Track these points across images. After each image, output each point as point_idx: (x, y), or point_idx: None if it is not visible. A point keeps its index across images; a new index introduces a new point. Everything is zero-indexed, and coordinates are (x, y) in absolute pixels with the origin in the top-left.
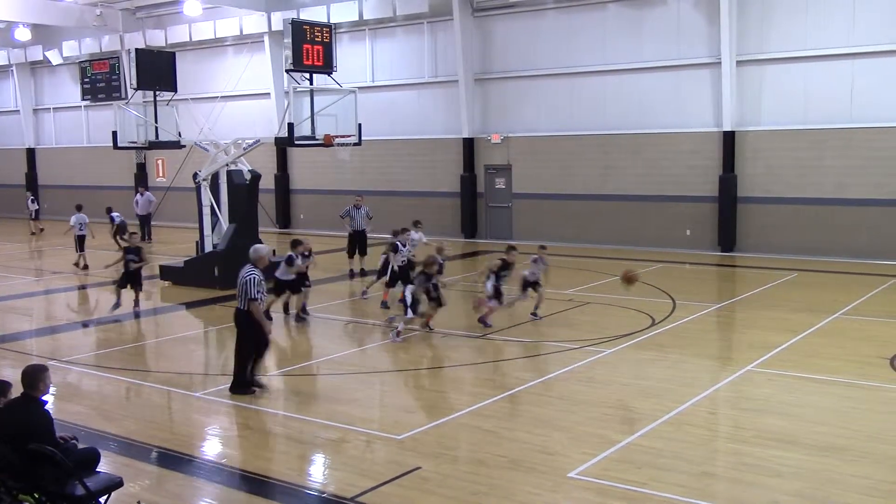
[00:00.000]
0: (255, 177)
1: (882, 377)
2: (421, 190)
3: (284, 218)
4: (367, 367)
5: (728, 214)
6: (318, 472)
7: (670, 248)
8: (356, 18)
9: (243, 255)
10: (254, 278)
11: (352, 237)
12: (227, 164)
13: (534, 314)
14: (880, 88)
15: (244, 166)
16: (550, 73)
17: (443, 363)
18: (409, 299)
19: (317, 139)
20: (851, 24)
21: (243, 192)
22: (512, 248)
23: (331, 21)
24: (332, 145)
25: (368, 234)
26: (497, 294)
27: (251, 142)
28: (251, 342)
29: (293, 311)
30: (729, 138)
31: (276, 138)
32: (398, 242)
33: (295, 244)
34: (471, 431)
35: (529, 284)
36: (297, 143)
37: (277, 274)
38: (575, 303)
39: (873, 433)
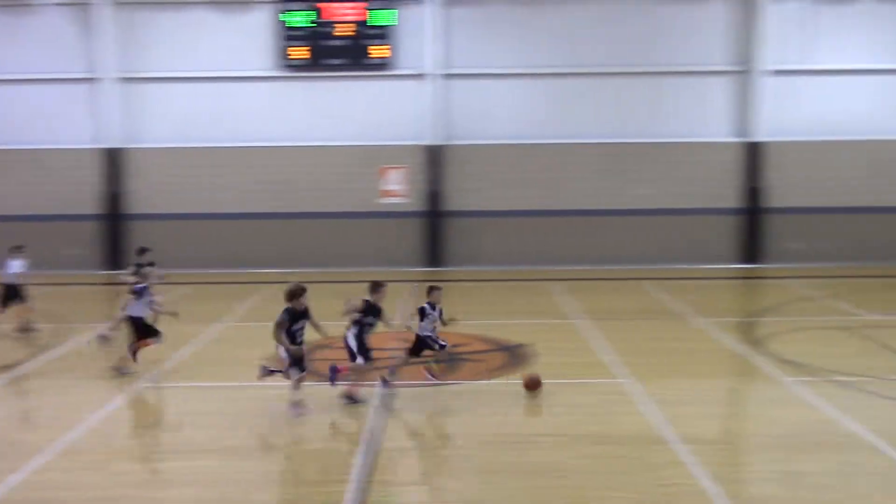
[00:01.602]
0: None
1: (235, 377)
2: None
3: None
4: None
5: (118, 232)
6: None
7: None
8: None
9: None
10: None
11: None
12: None
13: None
14: (256, 111)
15: None
16: None
17: None
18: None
19: None
20: (221, 49)
21: None
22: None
23: None
24: None
25: None
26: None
27: None
28: None
29: None
30: (114, 154)
31: None
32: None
33: None
34: None
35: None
36: None
37: None
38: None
39: (264, 432)
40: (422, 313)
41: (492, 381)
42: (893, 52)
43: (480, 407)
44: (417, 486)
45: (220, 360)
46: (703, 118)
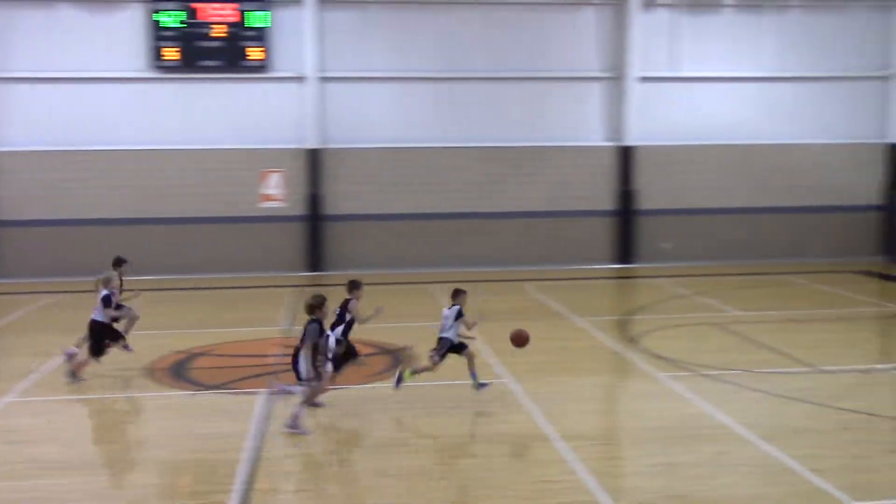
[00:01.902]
0: None
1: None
2: None
3: None
4: None
5: None
6: None
7: None
8: None
9: None
10: None
11: None
12: None
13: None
14: (128, 113)
15: None
16: None
17: None
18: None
19: None
20: (91, 49)
21: None
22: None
23: None
24: None
25: None
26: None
27: None
28: None
29: None
30: None
31: None
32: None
33: None
34: None
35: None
36: None
37: None
38: None
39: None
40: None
41: (376, 385)
42: (752, 61)
43: (364, 411)
44: (298, 494)
45: (94, 373)
46: (579, 123)
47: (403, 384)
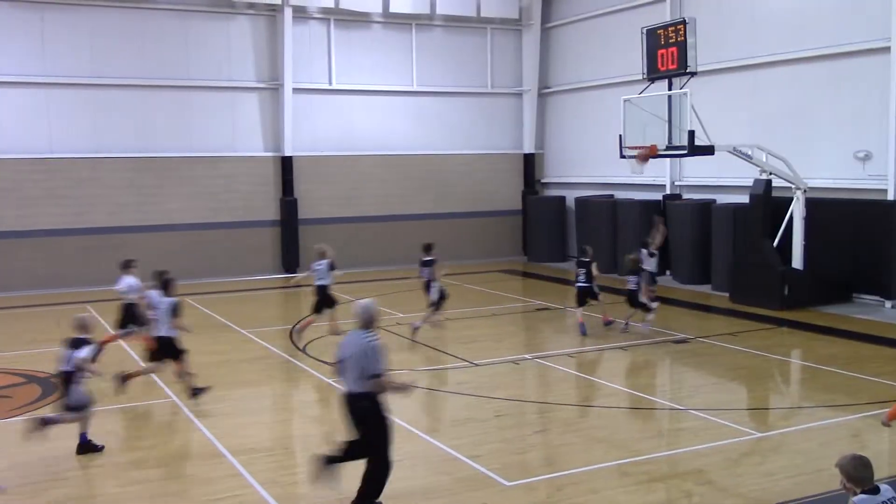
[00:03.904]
0: None
1: None
2: None
3: None
4: None
5: None
6: None
7: None
8: None
9: None
10: None
11: None
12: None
13: None
14: None
15: None
16: None
17: None
18: None
19: None
20: None
21: None
22: None
23: None
24: None
25: None
26: None
27: None
28: None
29: None
30: None
31: None
32: None
33: None
34: None
35: None
36: None
37: None
38: None
39: None
40: None
41: (26, 417)
42: (401, 75)
43: (14, 446)
44: None
45: None
46: (238, 133)
47: None
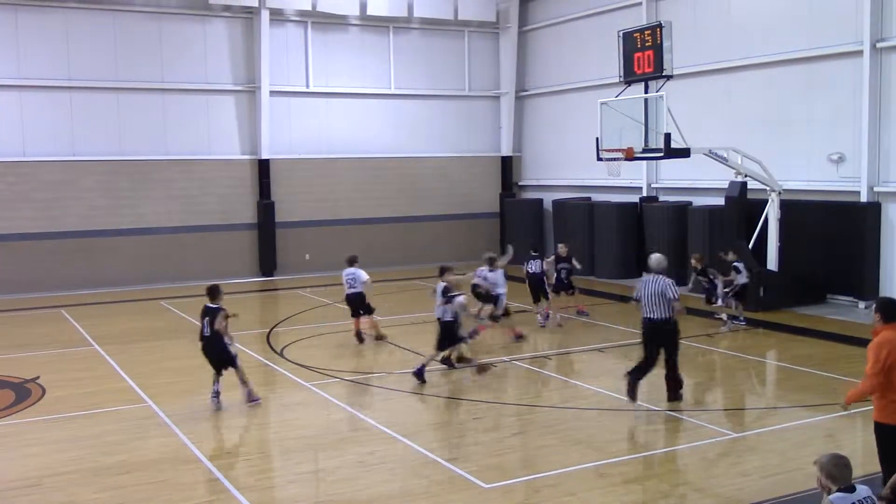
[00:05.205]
0: None
1: None
2: None
3: None
4: None
5: None
6: None
7: None
8: None
9: None
10: None
11: None
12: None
13: None
14: None
15: None
16: None
17: None
18: None
19: None
20: None
21: None
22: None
23: None
24: None
25: None
26: None
27: None
28: None
29: None
30: None
31: None
32: None
33: None
34: None
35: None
36: None
37: None
38: None
39: None
40: None
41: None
42: (378, 77)
43: None
44: None
45: None
46: (214, 136)
47: None
